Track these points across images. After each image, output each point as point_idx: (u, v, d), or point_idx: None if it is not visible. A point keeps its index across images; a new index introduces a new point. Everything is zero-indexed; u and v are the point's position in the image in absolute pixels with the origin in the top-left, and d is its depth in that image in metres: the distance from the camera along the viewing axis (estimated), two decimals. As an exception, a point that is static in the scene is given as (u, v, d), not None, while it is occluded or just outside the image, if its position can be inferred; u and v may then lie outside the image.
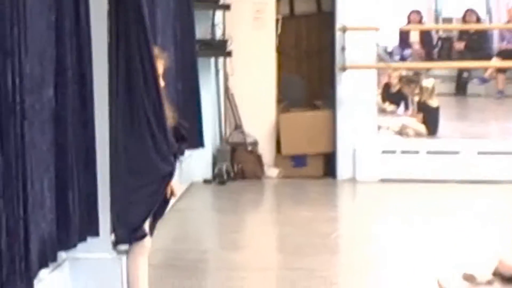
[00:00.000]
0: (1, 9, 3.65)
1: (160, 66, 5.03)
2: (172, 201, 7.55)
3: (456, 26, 16.19)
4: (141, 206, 4.83)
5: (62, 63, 4.43)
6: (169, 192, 5.06)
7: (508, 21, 15.59)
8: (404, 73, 11.89)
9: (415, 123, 10.28)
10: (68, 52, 4.49)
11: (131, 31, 4.81)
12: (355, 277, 5.98)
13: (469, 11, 15.79)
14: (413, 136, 10.00)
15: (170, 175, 4.89)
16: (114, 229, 4.79)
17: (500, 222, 7.09)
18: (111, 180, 4.77)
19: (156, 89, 4.87)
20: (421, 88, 10.57)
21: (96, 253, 4.76)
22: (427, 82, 10.74)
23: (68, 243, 4.47)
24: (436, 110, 10.35)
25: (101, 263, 4.76)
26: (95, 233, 4.67)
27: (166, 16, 6.91)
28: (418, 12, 16.16)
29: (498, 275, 5.58)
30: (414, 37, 16.09)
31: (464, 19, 15.80)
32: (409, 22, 15.94)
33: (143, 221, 4.85)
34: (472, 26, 15.47)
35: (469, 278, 5.56)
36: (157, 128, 4.84)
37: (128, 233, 4.81)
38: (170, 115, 5.04)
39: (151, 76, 4.86)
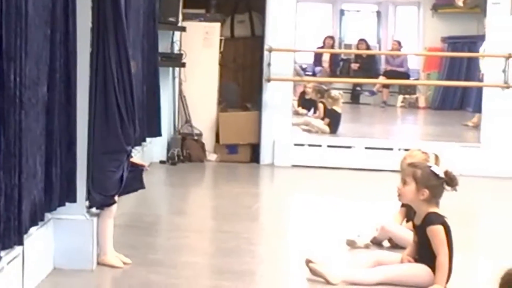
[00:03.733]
0: (8, 23, 3.57)
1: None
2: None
3: (353, 51, 16.26)
4: (113, 180, 4.77)
5: (53, 66, 4.35)
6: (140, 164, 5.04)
7: (392, 49, 15.78)
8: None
9: (320, 123, 10.34)
10: (58, 58, 4.40)
11: (109, 43, 4.75)
12: (271, 239, 5.97)
13: (360, 41, 16.04)
14: (316, 133, 10.06)
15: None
16: (88, 197, 4.72)
17: (381, 200, 7.13)
18: (88, 158, 4.70)
19: (130, 89, 4.82)
20: (331, 97, 10.64)
21: (73, 215, 4.67)
22: (335, 93, 10.82)
23: (51, 206, 4.38)
24: (339, 115, 10.43)
25: (77, 223, 4.67)
26: (73, 199, 4.59)
27: (136, 34, 6.83)
28: (331, 37, 16.28)
29: (375, 242, 5.64)
30: (326, 57, 16.20)
31: (357, 46, 15.97)
32: (324, 44, 15.98)
33: (115, 191, 4.79)
34: (365, 52, 15.65)
35: (350, 243, 5.61)
36: (126, 120, 4.79)
37: (100, 200, 4.75)
38: None
39: (126, 79, 4.79)
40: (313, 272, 4.69)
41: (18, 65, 3.70)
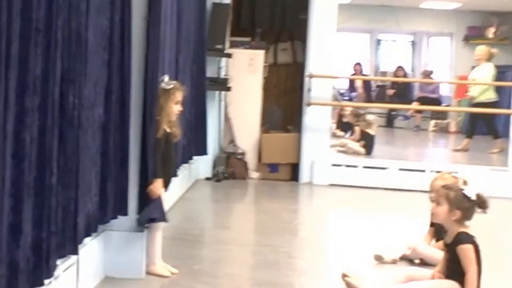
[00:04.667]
0: (69, 49, 3.61)
1: (180, 95, 4.96)
2: (182, 192, 7.55)
3: (389, 78, 16.23)
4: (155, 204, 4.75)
5: (109, 89, 4.38)
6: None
7: (424, 77, 15.67)
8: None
9: (356, 145, 10.26)
10: (114, 82, 4.43)
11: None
12: (309, 252, 5.92)
13: (399, 68, 16.05)
14: (352, 154, 9.97)
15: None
16: (138, 213, 4.71)
17: (412, 219, 7.05)
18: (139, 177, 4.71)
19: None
20: (365, 121, 10.56)
21: (124, 228, 4.67)
22: (369, 117, 10.74)
23: (104, 219, 4.40)
24: (373, 137, 10.34)
25: (128, 235, 4.68)
26: (125, 213, 4.60)
27: (186, 60, 6.87)
28: (359, 64, 16.30)
29: (405, 259, 5.57)
30: (358, 83, 16.17)
31: (395, 73, 15.93)
32: (354, 70, 16.00)
33: (157, 216, 4.77)
34: (399, 79, 15.59)
35: (378, 257, 5.56)
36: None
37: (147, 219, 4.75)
38: (179, 132, 4.97)
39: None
40: (348, 285, 4.64)
41: (77, 88, 3.73)
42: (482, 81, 10.77)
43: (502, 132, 10.92)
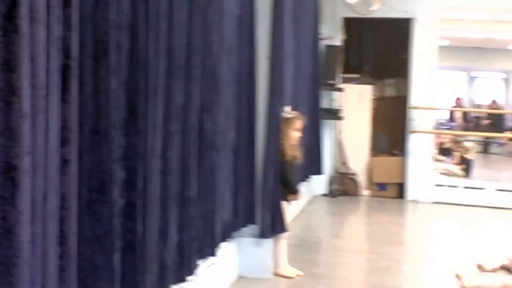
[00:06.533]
0: (205, 84, 3.65)
1: (299, 123, 4.93)
2: (302, 206, 7.49)
3: (481, 110, 15.73)
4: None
5: (239, 117, 4.40)
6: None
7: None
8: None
9: (456, 168, 9.89)
10: (244, 111, 4.45)
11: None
12: (416, 260, 5.71)
13: (494, 101, 15.52)
14: (453, 176, 9.58)
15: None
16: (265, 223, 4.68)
17: (510, 234, 6.67)
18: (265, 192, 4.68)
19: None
20: (464, 147, 10.20)
21: (254, 235, 4.66)
22: (468, 144, 10.36)
23: (236, 227, 4.40)
24: (471, 162, 9.93)
25: (257, 241, 4.67)
26: (253, 222, 4.58)
27: (304, 93, 6.86)
28: (460, 99, 15.86)
29: (505, 268, 5.29)
30: (458, 114, 15.78)
31: (490, 106, 15.46)
32: (455, 103, 15.63)
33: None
34: (492, 111, 15.08)
35: (479, 266, 5.31)
36: None
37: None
38: (300, 155, 4.92)
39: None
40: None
41: (213, 116, 3.77)
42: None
43: None
